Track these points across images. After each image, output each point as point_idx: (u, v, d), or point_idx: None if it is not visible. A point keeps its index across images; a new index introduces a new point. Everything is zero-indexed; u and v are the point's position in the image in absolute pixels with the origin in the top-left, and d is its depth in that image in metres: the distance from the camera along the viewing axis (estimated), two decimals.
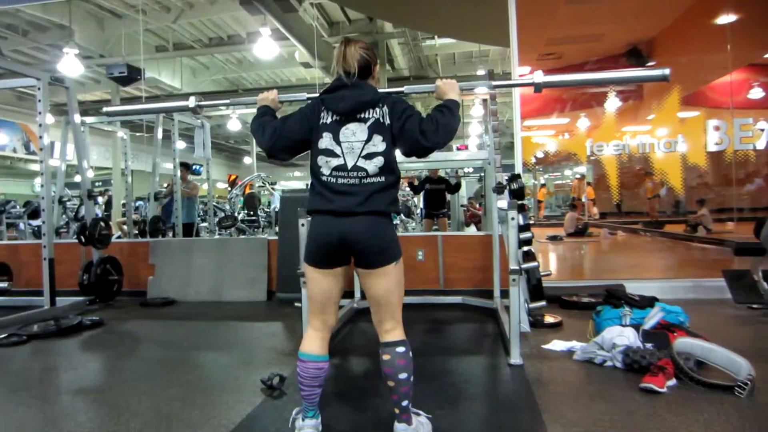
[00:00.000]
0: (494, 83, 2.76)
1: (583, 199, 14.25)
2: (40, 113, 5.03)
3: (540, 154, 8.21)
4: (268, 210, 11.70)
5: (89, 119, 7.80)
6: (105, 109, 3.21)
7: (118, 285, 5.95)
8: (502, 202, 3.88)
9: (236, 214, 10.50)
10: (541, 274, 4.13)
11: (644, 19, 7.23)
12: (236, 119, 18.16)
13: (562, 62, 8.07)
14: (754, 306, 4.67)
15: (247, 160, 26.52)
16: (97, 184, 15.09)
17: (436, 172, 8.47)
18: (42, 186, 5.16)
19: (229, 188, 13.41)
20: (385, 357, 2.15)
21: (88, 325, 4.64)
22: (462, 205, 12.31)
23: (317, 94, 2.31)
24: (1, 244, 6.79)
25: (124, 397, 2.91)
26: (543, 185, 19.26)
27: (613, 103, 7.11)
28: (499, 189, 4.01)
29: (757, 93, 6.79)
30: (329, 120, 2.18)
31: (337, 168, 2.13)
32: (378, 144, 2.13)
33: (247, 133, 21.60)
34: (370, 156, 2.12)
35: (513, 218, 3.27)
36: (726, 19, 6.49)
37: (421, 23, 8.92)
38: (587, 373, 3.13)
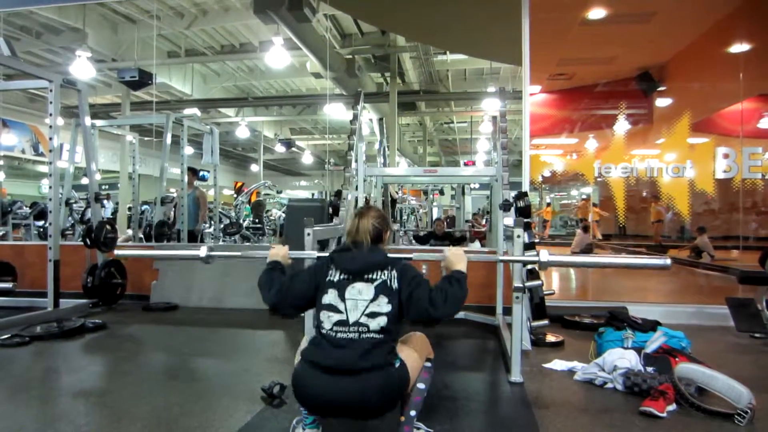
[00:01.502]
0: (501, 258, 2.92)
1: (589, 219, 14.23)
2: (51, 115, 5.07)
3: (547, 173, 8.22)
4: (273, 218, 11.73)
5: (99, 122, 7.89)
6: (116, 252, 3.33)
7: (121, 288, 5.97)
8: (509, 219, 3.89)
9: (242, 221, 10.53)
10: (545, 293, 4.14)
11: (657, 44, 7.26)
12: (245, 127, 18.24)
13: (572, 83, 8.09)
14: (757, 335, 4.65)
15: (254, 167, 26.61)
16: (103, 187, 15.14)
17: (440, 226, 8.55)
18: (50, 187, 5.20)
19: (235, 195, 13.44)
20: None
21: (91, 327, 4.65)
22: (467, 221, 12.33)
23: (327, 254, 2.39)
24: (6, 245, 6.83)
25: (124, 401, 2.92)
26: (548, 204, 19.24)
27: (622, 125, 7.13)
28: (505, 206, 4.03)
29: (767, 123, 6.80)
30: (336, 278, 2.23)
31: (338, 323, 2.15)
32: (383, 305, 2.16)
33: (255, 140, 21.71)
34: (373, 315, 2.15)
35: (519, 236, 3.27)
36: (739, 48, 6.52)
37: (433, 38, 8.98)
38: (587, 394, 3.13)
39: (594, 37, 7.07)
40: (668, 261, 2.49)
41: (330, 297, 2.19)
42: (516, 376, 3.28)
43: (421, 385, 2.19)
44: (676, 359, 3.24)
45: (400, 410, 2.18)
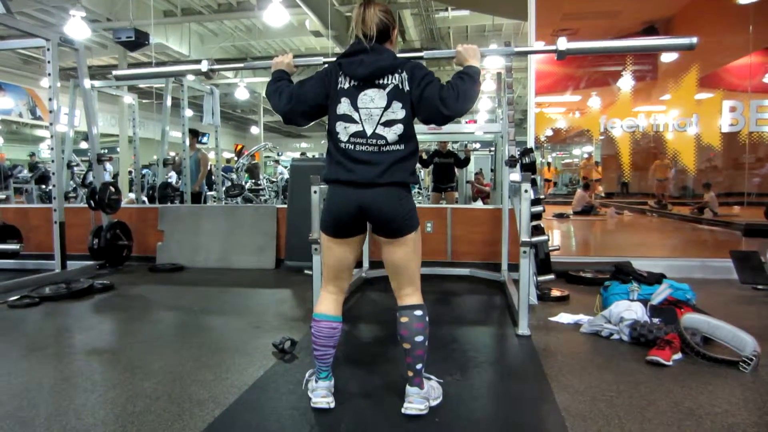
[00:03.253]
0: (516, 49, 2.73)
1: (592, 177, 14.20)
2: (49, 75, 5.00)
3: (549, 132, 8.15)
4: (275, 180, 11.70)
5: (97, 83, 7.79)
6: (114, 72, 3.19)
7: (127, 250, 6.00)
8: (515, 175, 3.88)
9: (243, 183, 10.51)
10: (550, 248, 4.16)
11: None
12: (244, 88, 18.06)
13: (576, 38, 7.94)
14: (760, 287, 4.70)
15: (254, 129, 26.46)
16: (103, 151, 15.08)
17: (444, 145, 8.43)
18: (52, 149, 5.17)
19: (236, 158, 13.39)
20: (403, 319, 2.17)
21: (99, 288, 4.70)
22: (468, 181, 12.31)
23: (334, 59, 2.27)
24: (10, 208, 6.83)
25: (137, 357, 2.97)
26: (549, 164, 19.17)
27: (627, 81, 7.03)
28: (511, 162, 4.01)
29: None
30: (347, 85, 2.14)
31: (355, 134, 2.10)
32: (397, 111, 2.10)
33: (255, 102, 21.52)
34: (389, 123, 2.09)
35: (526, 191, 3.27)
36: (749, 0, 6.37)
37: None
38: (594, 345, 3.17)
39: None
40: (694, 39, 2.30)
41: (343, 107, 2.13)
42: (523, 330, 3.33)
43: (419, 338, 2.15)
44: (682, 310, 3.27)
45: (406, 367, 2.19)
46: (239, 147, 15.78)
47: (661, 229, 10.15)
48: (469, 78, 2.13)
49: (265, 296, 4.69)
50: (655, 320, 3.23)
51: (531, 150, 4.27)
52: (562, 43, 2.37)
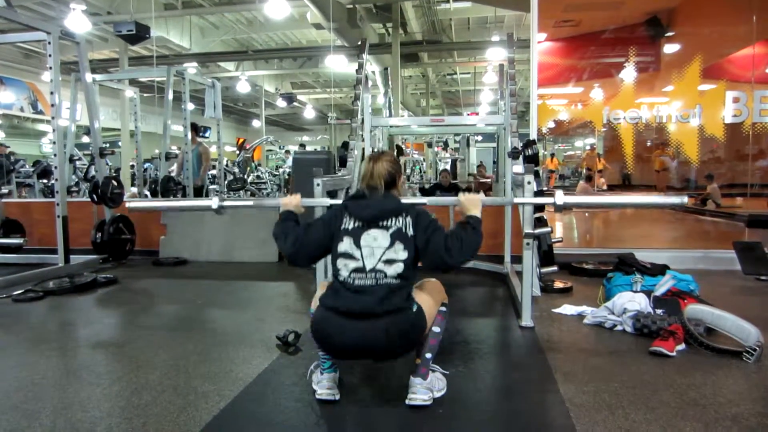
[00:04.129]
0: (515, 200, 2.94)
1: (595, 169, 14.18)
2: (50, 68, 4.99)
3: (552, 124, 8.13)
4: (277, 173, 11.71)
5: (98, 77, 7.78)
6: (128, 204, 3.30)
7: (130, 244, 6.01)
8: (518, 166, 3.87)
9: (246, 177, 10.51)
10: (552, 240, 4.15)
11: None
12: (245, 81, 18.02)
13: (579, 29, 7.90)
14: (763, 277, 4.70)
15: (255, 123, 26.42)
16: (105, 145, 15.03)
17: (446, 178, 8.45)
18: (53, 143, 5.17)
19: (238, 151, 13.38)
20: None
21: (103, 282, 4.71)
22: (470, 174, 12.30)
23: (340, 201, 2.40)
24: (13, 203, 6.83)
25: (142, 350, 2.98)
26: (552, 155, 19.14)
27: (630, 72, 7.00)
28: (514, 154, 4.00)
29: None
30: (351, 226, 2.20)
31: (355, 270, 2.14)
32: (399, 252, 2.14)
33: (257, 95, 21.47)
34: (390, 262, 2.14)
35: (529, 182, 3.26)
36: None
37: None
38: (597, 336, 3.17)
39: None
40: (685, 199, 2.49)
41: (345, 245, 2.18)
42: (527, 321, 3.33)
43: (436, 329, 2.21)
44: (685, 301, 3.27)
45: (416, 353, 2.21)
46: (241, 140, 15.74)
47: (663, 220, 10.14)
48: (472, 229, 2.22)
49: (268, 289, 4.70)
50: (659, 311, 3.23)
51: (534, 142, 4.25)
52: (560, 198, 2.55)
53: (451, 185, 8.47)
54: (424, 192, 8.69)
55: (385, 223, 2.19)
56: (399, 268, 2.14)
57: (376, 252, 2.15)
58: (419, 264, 2.22)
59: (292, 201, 2.52)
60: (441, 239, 2.16)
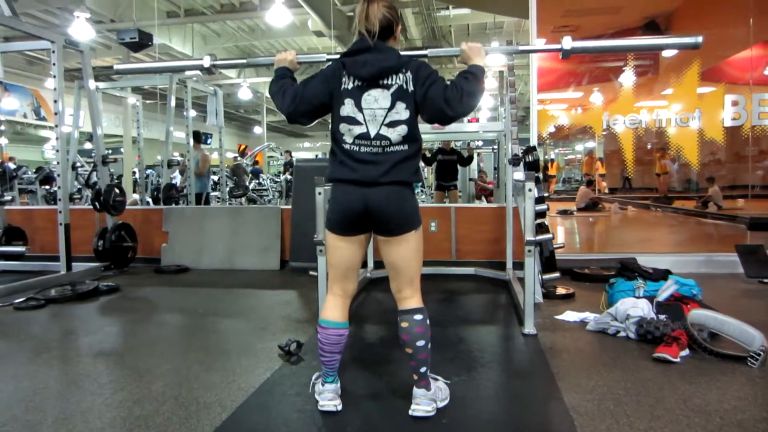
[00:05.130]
0: (520, 48, 2.72)
1: (594, 173, 14.20)
2: (54, 77, 5.02)
3: (552, 129, 8.14)
4: (278, 180, 11.71)
5: (101, 84, 7.80)
6: (115, 66, 3.17)
7: (132, 251, 6.01)
8: (518, 173, 3.87)
9: (247, 184, 10.52)
10: (554, 246, 4.15)
11: None
12: (247, 88, 18.08)
13: (578, 35, 7.89)
14: (766, 281, 4.69)
15: (257, 129, 26.45)
16: (108, 151, 15.03)
17: (448, 143, 8.41)
18: (56, 151, 5.18)
19: (239, 158, 13.39)
20: (404, 324, 2.16)
21: (105, 290, 4.71)
22: (471, 179, 12.29)
23: (338, 56, 2.24)
24: (15, 210, 6.84)
25: (144, 360, 2.97)
26: (552, 160, 19.16)
27: (629, 77, 7.01)
28: (515, 161, 4.00)
29: None
30: (351, 86, 2.12)
31: (359, 136, 2.09)
32: (401, 112, 2.09)
33: (258, 102, 21.51)
34: (393, 124, 2.08)
35: (530, 189, 3.26)
36: None
37: None
38: (600, 343, 3.16)
39: None
40: (699, 39, 2.32)
41: (347, 108, 2.11)
42: (529, 328, 3.32)
43: (420, 342, 2.13)
44: (688, 306, 3.26)
45: (411, 369, 2.18)
46: (242, 147, 15.76)
47: (665, 224, 10.13)
48: (473, 77, 2.12)
49: (270, 298, 4.69)
50: (662, 317, 3.22)
51: (534, 148, 4.25)
52: (567, 42, 2.35)
53: (452, 150, 8.44)
54: (426, 159, 8.61)
55: (385, 81, 2.10)
56: (402, 130, 2.09)
57: (378, 114, 2.09)
58: (419, 117, 2.16)
59: (287, 56, 2.39)
60: (440, 90, 2.07)
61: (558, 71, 7.69)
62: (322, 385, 2.27)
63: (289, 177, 11.00)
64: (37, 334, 3.58)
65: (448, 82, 2.10)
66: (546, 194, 4.70)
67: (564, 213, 11.28)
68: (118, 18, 12.02)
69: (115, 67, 3.13)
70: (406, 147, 2.11)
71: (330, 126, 2.21)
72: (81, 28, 9.51)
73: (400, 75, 2.11)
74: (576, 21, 7.81)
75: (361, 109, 2.10)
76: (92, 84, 5.69)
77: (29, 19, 12.03)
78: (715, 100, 6.49)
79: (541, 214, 3.94)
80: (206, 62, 2.70)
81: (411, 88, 2.11)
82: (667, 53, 7.52)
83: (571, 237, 8.35)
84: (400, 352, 2.24)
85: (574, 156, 22.70)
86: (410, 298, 2.19)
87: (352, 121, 2.11)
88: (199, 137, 7.90)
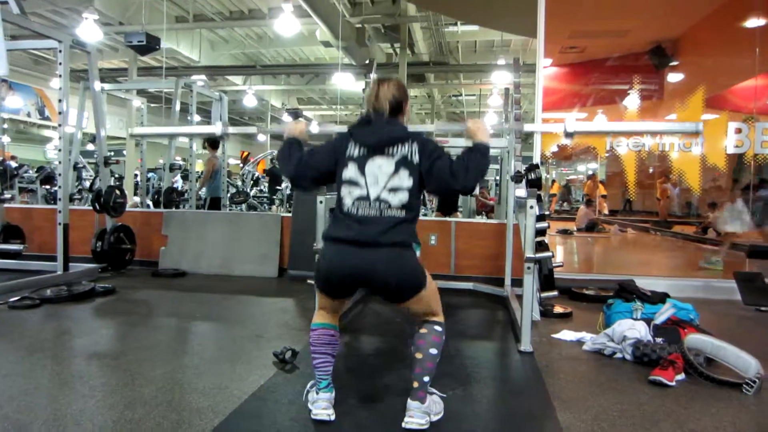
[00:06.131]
0: (526, 127, 2.84)
1: (596, 195, 14.21)
2: (60, 76, 5.03)
3: (555, 148, 8.17)
4: (279, 188, 11.71)
5: (107, 86, 7.82)
6: (130, 130, 3.29)
7: (130, 254, 6.00)
8: (521, 190, 3.87)
9: (248, 190, 10.54)
10: (553, 265, 4.14)
11: (671, 17, 7.13)
12: (252, 95, 18.14)
13: (584, 56, 7.98)
14: (763, 308, 4.67)
15: (261, 137, 26.48)
16: (110, 153, 15.04)
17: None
18: (59, 150, 5.19)
19: (242, 165, 13.41)
20: (423, 330, 2.22)
21: (101, 292, 4.69)
22: (472, 195, 12.29)
23: (346, 129, 2.33)
24: (14, 208, 6.83)
25: (138, 363, 2.95)
26: (554, 181, 19.20)
27: (634, 100, 7.05)
28: (517, 178, 4.00)
29: None
30: (356, 152, 2.19)
31: (359, 198, 2.13)
32: (404, 179, 2.13)
33: (263, 110, 21.59)
34: (394, 190, 2.12)
35: (531, 206, 3.27)
36: (756, 22, 6.39)
37: (446, 7, 8.83)
38: (597, 363, 3.15)
39: (608, 9, 6.94)
40: (700, 126, 2.41)
41: (350, 172, 2.16)
42: (526, 346, 3.31)
43: (433, 351, 2.19)
44: (685, 330, 3.25)
45: (413, 376, 2.18)
46: (245, 154, 15.78)
47: (663, 248, 10.13)
48: (479, 153, 2.18)
49: (267, 305, 4.67)
50: (659, 340, 3.21)
51: (537, 166, 4.25)
52: (570, 124, 2.45)
53: None
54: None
55: (390, 150, 2.16)
56: (404, 197, 2.11)
57: (381, 179, 2.12)
58: (425, 190, 2.21)
59: (298, 127, 2.48)
60: (446, 163, 2.12)
61: (563, 91, 7.73)
62: (316, 393, 2.27)
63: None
64: (30, 334, 3.55)
65: (454, 158, 2.17)
66: (546, 212, 4.70)
67: (564, 233, 11.28)
68: (126, 21, 12.08)
69: (130, 131, 3.25)
70: (403, 213, 2.13)
71: (335, 191, 2.26)
72: (89, 30, 9.56)
73: (406, 145, 2.17)
74: (582, 42, 7.86)
75: (363, 174, 2.15)
76: (98, 85, 5.71)
77: (37, 19, 12.10)
78: (718, 127, 6.52)
79: (541, 232, 3.94)
80: (218, 130, 2.87)
81: (416, 159, 2.16)
82: (672, 78, 7.57)
83: (570, 256, 8.34)
84: (396, 364, 2.25)
85: (576, 176, 22.74)
86: (435, 316, 2.28)
87: (353, 183, 2.15)
88: (215, 143, 7.90)
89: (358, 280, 2.12)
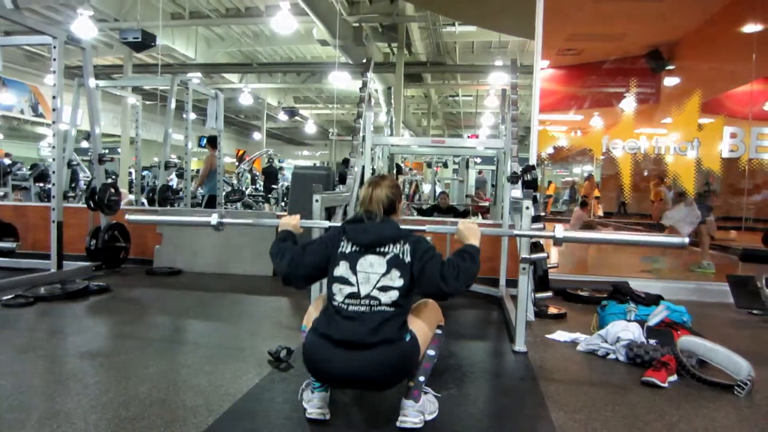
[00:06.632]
0: (515, 232, 3.17)
1: (592, 197, 14.23)
2: (54, 72, 4.99)
3: (551, 150, 8.18)
4: (275, 186, 11.72)
5: (102, 83, 7.80)
6: (127, 216, 3.30)
7: (125, 252, 5.97)
8: (516, 191, 3.88)
9: (244, 189, 10.53)
10: (548, 266, 4.16)
11: (668, 22, 7.15)
12: (248, 93, 18.10)
13: (581, 59, 7.98)
14: (755, 312, 4.70)
15: (256, 135, 26.47)
16: (105, 151, 14.95)
17: (445, 199, 8.49)
18: (53, 147, 5.15)
19: (237, 163, 13.41)
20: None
21: (95, 290, 4.66)
22: (467, 195, 12.33)
23: (339, 224, 2.38)
24: (7, 206, 6.80)
25: (131, 361, 2.94)
26: (550, 182, 19.20)
27: (630, 103, 7.07)
28: (513, 179, 4.02)
29: None
30: (348, 250, 2.21)
31: (350, 295, 2.15)
32: (395, 279, 2.15)
33: (259, 108, 21.55)
34: (385, 288, 2.14)
35: (527, 207, 3.28)
36: (753, 27, 6.41)
37: (444, 8, 8.83)
38: (590, 364, 3.17)
39: (606, 13, 6.96)
40: (685, 240, 2.51)
41: (341, 269, 2.18)
42: (520, 346, 3.32)
43: (431, 352, 2.21)
44: (678, 332, 3.27)
45: (409, 376, 2.20)
46: (241, 152, 15.78)
47: (657, 250, 10.13)
48: (469, 257, 2.21)
49: (262, 303, 4.67)
50: (652, 341, 3.23)
51: (533, 167, 4.27)
52: (559, 232, 2.55)
53: (449, 207, 8.48)
54: (422, 213, 8.68)
55: (382, 249, 2.19)
56: (394, 295, 2.13)
57: (372, 278, 2.14)
58: (415, 291, 2.22)
59: (291, 221, 2.53)
60: (437, 266, 2.15)
61: (560, 93, 7.73)
62: (311, 392, 2.27)
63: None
64: (23, 332, 3.54)
65: (445, 260, 2.19)
66: (542, 214, 4.72)
67: None
68: (122, 17, 12.04)
69: (128, 217, 3.26)
70: (393, 309, 2.14)
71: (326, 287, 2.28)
72: (84, 26, 9.50)
73: (398, 245, 2.20)
74: (580, 45, 7.87)
75: (355, 272, 2.17)
76: (92, 82, 5.68)
77: (32, 15, 12.03)
78: (714, 131, 6.55)
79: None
80: (214, 220, 2.95)
81: (408, 259, 2.18)
82: (668, 82, 7.59)
83: (564, 258, 8.35)
84: None
85: (571, 178, 22.78)
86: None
87: (344, 281, 2.17)
88: (215, 142, 7.89)
89: (348, 382, 2.18)
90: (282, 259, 2.31)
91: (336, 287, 2.17)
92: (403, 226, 2.28)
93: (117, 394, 2.46)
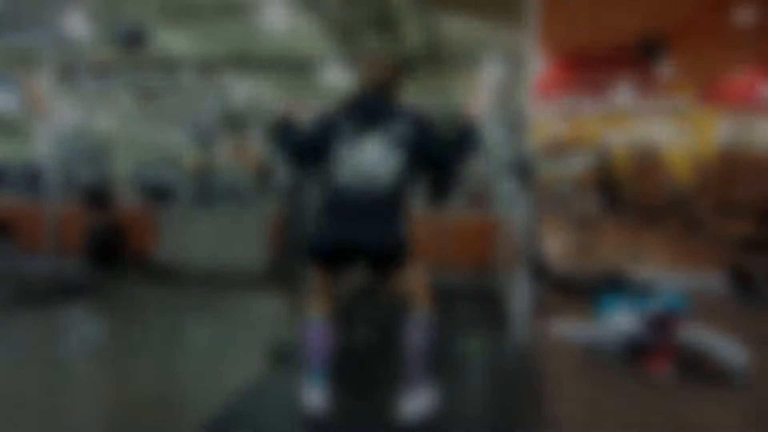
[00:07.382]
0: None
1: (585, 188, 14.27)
2: (48, 69, 4.96)
3: (546, 141, 8.18)
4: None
5: (95, 80, 7.74)
6: None
7: (121, 250, 5.94)
8: (512, 183, 3.87)
9: None
10: (545, 257, 4.15)
11: (661, 11, 7.15)
12: (242, 89, 18.04)
13: (576, 48, 7.99)
14: (753, 302, 4.70)
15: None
16: (98, 147, 14.84)
17: None
18: (46, 145, 5.13)
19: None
20: (411, 324, 2.22)
21: (90, 288, 4.64)
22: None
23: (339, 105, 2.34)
24: (2, 203, 6.74)
25: (127, 360, 2.94)
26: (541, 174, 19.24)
27: (625, 94, 7.08)
28: (509, 170, 4.00)
29: None
30: (350, 128, 2.19)
31: (352, 173, 2.14)
32: (396, 155, 2.15)
33: (254, 104, 21.47)
34: (386, 165, 2.14)
35: (522, 199, 3.26)
36: (746, 17, 6.41)
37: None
38: (588, 355, 3.17)
39: (600, 4, 6.95)
40: None
41: (344, 147, 2.17)
42: (518, 338, 3.31)
43: (425, 343, 2.19)
44: (676, 323, 3.26)
45: (407, 369, 2.18)
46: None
47: (656, 241, 10.18)
48: (471, 137, 2.30)
49: (260, 300, 4.66)
50: (650, 332, 3.22)
51: (527, 159, 4.25)
52: None
53: None
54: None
55: (384, 125, 2.17)
56: (395, 170, 2.14)
57: (375, 155, 2.14)
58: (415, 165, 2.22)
59: (290, 110, 2.53)
60: (438, 141, 2.19)
61: (554, 85, 7.74)
62: (310, 386, 2.25)
63: None
64: (18, 331, 3.52)
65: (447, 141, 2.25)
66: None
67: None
68: (116, 14, 11.95)
69: None
70: (394, 187, 2.15)
71: (328, 164, 2.25)
72: (77, 23, 9.41)
73: (399, 121, 2.19)
74: (574, 36, 7.87)
75: (357, 150, 2.16)
76: (86, 79, 5.64)
77: (24, 11, 11.92)
78: (708, 121, 6.56)
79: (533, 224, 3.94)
80: None
81: (410, 134, 2.17)
82: (663, 71, 7.60)
83: (561, 249, 8.37)
84: (391, 356, 2.24)
85: (566, 170, 22.84)
86: (425, 306, 2.29)
87: (346, 158, 2.16)
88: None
89: (350, 250, 2.15)
90: (285, 139, 2.34)
91: (338, 165, 2.17)
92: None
93: (113, 393, 2.45)
